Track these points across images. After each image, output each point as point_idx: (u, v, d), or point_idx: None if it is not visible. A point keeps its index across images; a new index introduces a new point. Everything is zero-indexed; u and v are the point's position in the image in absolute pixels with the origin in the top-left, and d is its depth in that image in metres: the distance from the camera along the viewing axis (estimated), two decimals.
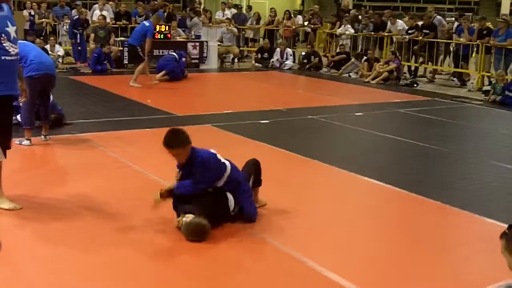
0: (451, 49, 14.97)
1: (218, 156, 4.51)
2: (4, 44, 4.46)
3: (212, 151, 4.53)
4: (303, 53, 16.62)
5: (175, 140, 4.28)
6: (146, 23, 12.09)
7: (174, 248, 4.06)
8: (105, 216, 4.60)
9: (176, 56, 13.19)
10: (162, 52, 14.66)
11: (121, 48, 14.67)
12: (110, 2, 16.64)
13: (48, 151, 6.42)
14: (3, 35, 4.46)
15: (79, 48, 14.95)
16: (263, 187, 4.87)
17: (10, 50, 4.49)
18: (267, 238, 4.28)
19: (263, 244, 4.20)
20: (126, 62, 14.58)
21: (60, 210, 4.77)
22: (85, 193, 5.12)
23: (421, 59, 15.10)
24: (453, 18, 17.61)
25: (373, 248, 4.27)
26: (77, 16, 15.10)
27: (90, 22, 15.31)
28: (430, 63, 15.07)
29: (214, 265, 3.84)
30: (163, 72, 12.60)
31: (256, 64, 16.63)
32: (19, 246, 4.00)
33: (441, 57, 15.20)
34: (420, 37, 14.69)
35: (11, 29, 4.51)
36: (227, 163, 4.53)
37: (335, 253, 4.12)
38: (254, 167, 4.81)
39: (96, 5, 16.05)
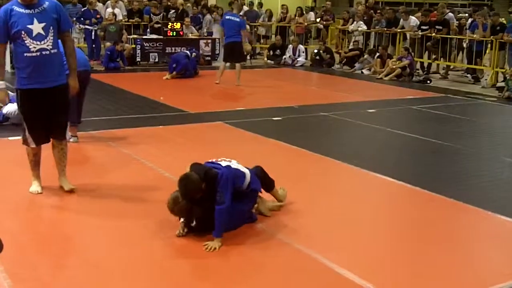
0: (464, 45, 14.86)
1: (234, 165, 4.34)
2: (25, 41, 4.62)
3: (224, 164, 4.29)
4: (315, 50, 16.59)
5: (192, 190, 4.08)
6: (236, 18, 11.80)
7: (188, 246, 4.05)
8: (116, 214, 4.64)
9: (188, 53, 13.22)
10: (175, 50, 14.73)
11: (133, 46, 14.74)
12: (124, 0, 16.68)
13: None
14: (23, 32, 4.61)
15: (93, 45, 15.03)
16: (277, 184, 4.86)
17: (30, 47, 4.63)
18: (280, 235, 4.29)
19: (276, 242, 4.20)
20: (139, 60, 14.65)
21: (71, 207, 4.82)
22: (98, 191, 5.16)
23: (434, 56, 15.01)
24: (467, 14, 17.46)
25: (385, 245, 4.28)
26: (85, 8, 15.15)
27: (102, 16, 15.26)
28: (443, 59, 14.97)
29: (230, 264, 3.86)
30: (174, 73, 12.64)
31: (268, 61, 16.61)
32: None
33: (454, 53, 15.09)
34: (433, 34, 14.60)
35: (36, 26, 4.63)
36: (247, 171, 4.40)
37: (348, 250, 4.12)
38: (261, 175, 4.64)
39: (109, 2, 16.12)
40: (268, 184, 4.68)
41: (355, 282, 3.62)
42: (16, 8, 4.66)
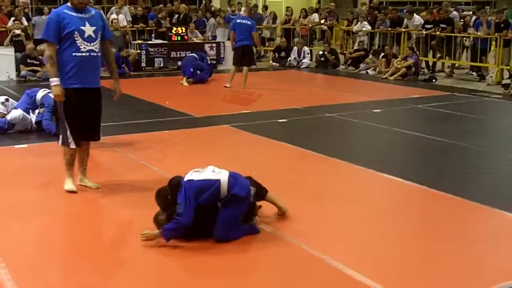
0: (468, 43, 14.81)
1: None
2: (76, 41, 4.96)
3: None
4: (320, 52, 16.59)
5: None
6: (248, 21, 11.79)
7: (194, 248, 4.05)
8: (122, 219, 4.66)
9: (197, 56, 13.19)
10: (180, 54, 14.77)
11: (138, 51, 14.80)
12: (128, 6, 16.76)
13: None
14: (76, 32, 4.95)
15: None
16: (281, 186, 4.86)
17: (81, 47, 4.97)
18: (286, 236, 4.29)
19: (282, 242, 4.20)
20: (144, 65, 14.70)
21: (77, 212, 4.85)
22: (104, 196, 5.18)
23: (439, 54, 14.98)
24: (471, 12, 17.41)
25: (393, 245, 4.26)
26: None
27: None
28: (448, 57, 14.93)
29: (234, 265, 3.87)
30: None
31: (273, 63, 16.63)
32: None
33: (459, 51, 15.05)
34: (438, 32, 14.57)
35: (88, 29, 5.00)
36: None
37: (356, 251, 4.11)
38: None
39: (113, 8, 16.19)
40: (259, 193, 4.43)
41: (363, 282, 3.62)
42: (68, 12, 5.02)
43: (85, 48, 4.97)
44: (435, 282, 3.69)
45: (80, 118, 5.08)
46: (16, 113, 7.54)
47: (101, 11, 5.40)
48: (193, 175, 4.18)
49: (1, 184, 5.51)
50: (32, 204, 4.96)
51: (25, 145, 6.97)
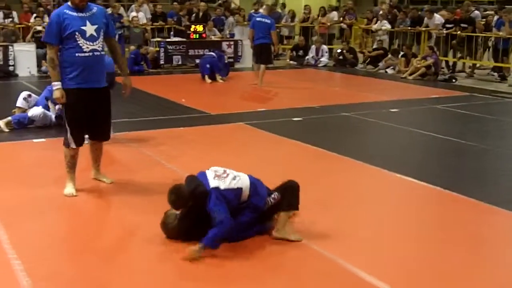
0: (490, 43, 14.61)
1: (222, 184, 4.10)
2: (78, 42, 4.86)
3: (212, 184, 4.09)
4: (339, 50, 16.50)
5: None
6: (267, 20, 11.75)
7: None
8: (137, 215, 4.66)
9: (215, 54, 13.19)
10: (198, 52, 14.80)
11: (157, 49, 14.85)
12: (147, 4, 16.81)
13: (82, 149, 6.53)
14: (77, 33, 4.84)
15: None
16: None
17: (84, 47, 4.87)
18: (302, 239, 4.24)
19: (293, 243, 4.16)
20: (163, 63, 14.75)
21: (92, 208, 4.87)
22: (119, 192, 5.20)
23: (459, 54, 14.80)
24: (493, 12, 17.17)
25: (407, 247, 4.20)
26: (109, 12, 15.31)
27: (124, 20, 15.39)
28: (468, 58, 14.75)
29: (245, 265, 3.84)
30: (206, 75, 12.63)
31: (291, 62, 16.58)
32: None
33: (480, 51, 14.86)
34: (458, 32, 14.39)
35: (89, 28, 4.89)
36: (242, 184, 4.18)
37: (368, 252, 4.06)
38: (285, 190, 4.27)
39: (133, 5, 16.28)
40: (288, 203, 4.21)
41: (376, 285, 3.57)
42: (68, 12, 4.91)
43: (87, 48, 4.88)
44: (450, 286, 3.63)
45: (84, 119, 5.00)
46: (37, 112, 7.60)
47: (104, 8, 5.22)
48: (217, 183, 4.06)
49: (17, 178, 5.56)
50: (46, 199, 4.99)
51: (44, 140, 7.03)
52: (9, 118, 7.58)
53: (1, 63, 13.02)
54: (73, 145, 5.05)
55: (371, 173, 6.04)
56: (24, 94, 7.92)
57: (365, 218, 4.76)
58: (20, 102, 7.82)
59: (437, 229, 4.61)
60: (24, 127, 7.56)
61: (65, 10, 4.92)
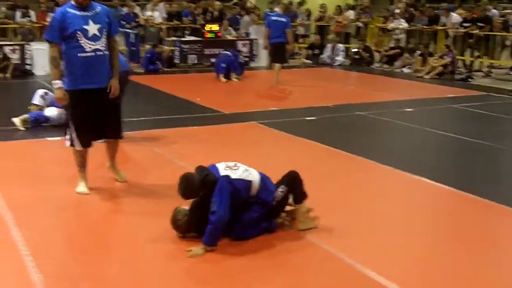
0: (508, 43, 14.43)
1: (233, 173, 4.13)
2: (80, 41, 4.78)
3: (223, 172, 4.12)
4: (354, 49, 16.42)
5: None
6: (283, 19, 11.73)
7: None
8: (149, 213, 4.68)
9: (230, 54, 13.19)
10: (213, 51, 14.81)
11: (172, 48, 14.90)
12: (163, 3, 16.89)
13: (96, 148, 6.61)
14: (79, 32, 4.77)
15: (133, 48, 15.27)
16: (307, 184, 4.74)
17: (86, 47, 4.79)
18: (308, 236, 4.23)
19: (304, 242, 4.15)
20: (178, 62, 14.79)
21: (105, 206, 4.91)
22: (133, 190, 5.22)
23: (477, 53, 14.64)
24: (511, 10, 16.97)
25: (418, 247, 4.17)
26: (125, 11, 15.41)
27: (140, 19, 15.45)
28: (486, 57, 14.58)
29: (254, 264, 3.84)
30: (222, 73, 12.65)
31: (306, 60, 16.53)
32: None
33: (498, 50, 14.68)
34: (476, 30, 14.24)
35: (92, 27, 4.81)
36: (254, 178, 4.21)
37: (379, 252, 4.03)
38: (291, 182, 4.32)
39: (149, 5, 16.35)
40: (298, 194, 4.30)
41: (383, 284, 3.55)
42: (71, 10, 4.84)
43: (90, 48, 4.79)
44: (461, 286, 3.59)
45: (88, 119, 4.94)
46: (53, 112, 7.65)
47: (107, 7, 5.13)
48: (228, 172, 4.10)
49: (32, 176, 5.62)
50: (60, 197, 5.02)
51: (58, 138, 7.07)
52: (26, 115, 7.66)
53: (18, 62, 13.17)
54: (78, 147, 5.02)
55: (383, 172, 6.00)
56: (41, 91, 8.00)
57: (376, 217, 4.73)
58: (36, 100, 7.90)
59: (449, 229, 4.57)
60: (40, 125, 7.63)
61: (68, 9, 4.85)
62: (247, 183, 4.13)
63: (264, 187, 4.20)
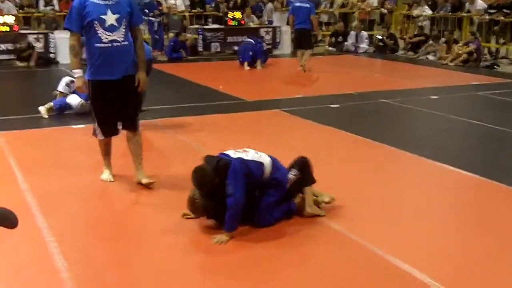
0: None
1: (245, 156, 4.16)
2: (97, 32, 4.65)
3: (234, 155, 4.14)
4: (379, 36, 16.24)
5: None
6: (306, 4, 11.71)
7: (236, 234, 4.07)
8: (170, 202, 4.70)
9: (253, 41, 13.14)
10: (236, 39, 14.79)
11: (196, 36, 14.91)
12: None
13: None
14: (96, 22, 4.64)
15: (156, 37, 15.30)
16: (330, 172, 4.73)
17: (103, 38, 4.66)
18: (335, 225, 4.21)
19: (329, 231, 4.13)
20: (201, 50, 14.80)
21: (127, 195, 4.95)
22: (153, 177, 5.23)
23: (502, 40, 14.36)
24: None
25: (445, 235, 4.12)
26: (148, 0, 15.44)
27: (163, 7, 15.46)
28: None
29: (278, 253, 3.84)
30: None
31: (330, 48, 16.41)
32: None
33: None
34: (501, 17, 13.95)
35: (110, 17, 4.67)
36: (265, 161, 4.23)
37: (405, 242, 3.99)
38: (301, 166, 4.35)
39: None
40: (304, 179, 4.31)
41: (408, 272, 3.52)
42: None
43: (106, 38, 4.65)
44: (486, 272, 3.55)
45: (109, 110, 4.87)
46: (75, 101, 7.72)
47: None
48: (240, 155, 4.13)
49: (56, 164, 5.68)
50: (84, 184, 5.07)
51: (83, 126, 7.14)
52: (51, 103, 7.75)
53: (42, 50, 13.32)
54: (100, 136, 5.02)
55: (408, 160, 5.94)
56: (66, 79, 8.05)
57: (403, 206, 4.68)
58: (62, 87, 7.97)
59: (475, 217, 4.51)
60: (63, 113, 7.72)
61: None
62: (260, 165, 4.15)
63: (276, 168, 4.24)
